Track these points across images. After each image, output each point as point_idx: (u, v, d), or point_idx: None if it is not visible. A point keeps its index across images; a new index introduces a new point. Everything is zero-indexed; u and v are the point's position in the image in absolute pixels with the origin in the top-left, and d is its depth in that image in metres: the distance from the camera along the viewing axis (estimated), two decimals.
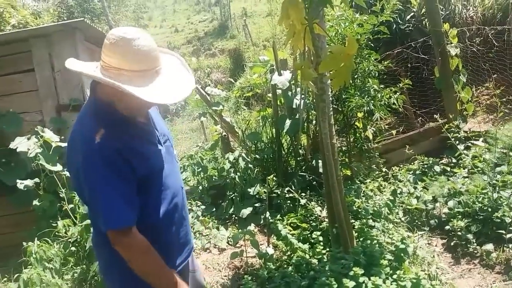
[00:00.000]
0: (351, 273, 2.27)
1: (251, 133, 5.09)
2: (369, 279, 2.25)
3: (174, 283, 1.58)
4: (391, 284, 2.21)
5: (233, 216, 4.70)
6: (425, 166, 4.66)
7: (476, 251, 3.31)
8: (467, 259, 3.32)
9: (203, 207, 4.75)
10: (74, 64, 1.57)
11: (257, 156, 5.03)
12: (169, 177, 1.71)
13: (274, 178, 4.47)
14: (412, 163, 4.78)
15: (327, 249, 3.22)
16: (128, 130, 1.59)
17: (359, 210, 3.58)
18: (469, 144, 4.30)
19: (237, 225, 4.53)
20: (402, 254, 2.76)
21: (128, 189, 1.52)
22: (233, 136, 5.31)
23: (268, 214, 4.30)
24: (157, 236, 1.65)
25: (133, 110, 1.61)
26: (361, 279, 2.25)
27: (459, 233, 3.44)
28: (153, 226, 1.65)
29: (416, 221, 3.89)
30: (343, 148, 4.86)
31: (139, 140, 1.62)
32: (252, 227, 4.44)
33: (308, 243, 3.58)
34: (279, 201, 4.44)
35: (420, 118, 5.60)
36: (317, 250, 3.13)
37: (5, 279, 3.65)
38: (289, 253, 3.62)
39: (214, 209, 4.82)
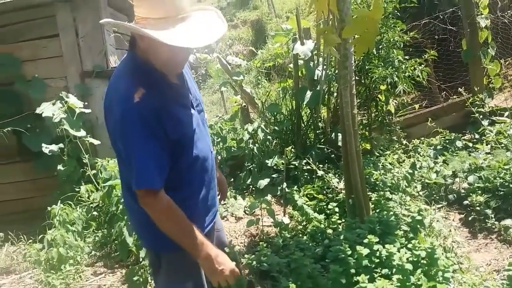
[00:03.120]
0: (366, 240, 2.29)
1: (271, 104, 5.07)
2: (384, 247, 2.26)
3: (200, 243, 1.61)
4: (406, 253, 2.22)
5: (251, 186, 4.75)
6: (447, 141, 4.58)
7: (494, 226, 3.28)
8: (484, 234, 3.30)
9: None
10: (108, 20, 1.58)
11: (276, 128, 5.02)
12: (200, 141, 1.72)
13: (292, 150, 4.48)
14: (434, 138, 4.70)
15: (343, 220, 3.24)
16: (165, 92, 1.59)
17: (377, 182, 3.57)
18: (494, 120, 4.19)
19: (254, 195, 4.59)
20: (418, 226, 2.76)
21: (161, 151, 1.53)
22: (253, 108, 5.31)
23: (285, 185, 4.33)
24: (189, 198, 1.69)
25: (166, 64, 1.59)
26: (375, 247, 2.27)
27: (478, 208, 3.41)
28: (185, 189, 1.68)
29: (435, 195, 3.86)
30: (364, 122, 4.80)
31: (175, 102, 1.62)
32: (268, 197, 4.51)
33: (324, 214, 3.61)
34: (296, 172, 4.46)
35: (444, 92, 5.46)
36: (333, 220, 3.14)
37: (30, 240, 3.80)
38: (304, 223, 3.66)
39: (232, 179, 4.88)
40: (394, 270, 2.06)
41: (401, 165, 3.98)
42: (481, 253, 3.07)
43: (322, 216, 3.55)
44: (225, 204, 4.40)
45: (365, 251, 2.22)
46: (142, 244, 1.83)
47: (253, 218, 3.60)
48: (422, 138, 4.67)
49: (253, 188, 4.71)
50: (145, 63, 1.58)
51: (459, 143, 4.47)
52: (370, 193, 3.50)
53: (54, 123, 4.37)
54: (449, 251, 2.94)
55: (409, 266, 1.88)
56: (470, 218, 3.47)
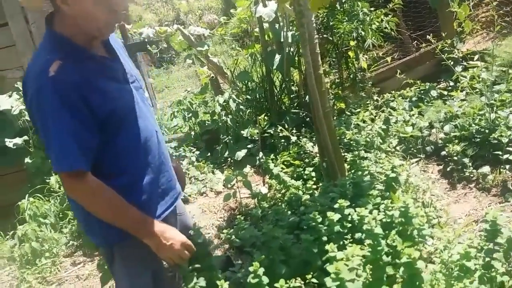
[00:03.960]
0: (336, 205, 2.20)
1: (240, 72, 4.90)
2: (355, 211, 2.18)
3: (140, 222, 1.51)
4: (378, 215, 2.15)
5: (229, 159, 4.64)
6: (422, 92, 4.49)
7: (472, 175, 3.23)
8: (463, 184, 3.25)
9: (197, 152, 4.69)
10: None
11: (248, 96, 4.88)
12: (140, 120, 1.59)
13: (266, 117, 4.35)
14: (408, 90, 4.60)
15: (319, 184, 3.16)
16: (87, 64, 1.45)
17: (351, 142, 3.47)
18: (467, 65, 4.08)
19: (232, 168, 4.49)
20: (393, 183, 2.69)
21: (84, 129, 1.39)
22: (223, 78, 5.14)
23: (261, 154, 4.24)
24: (134, 183, 1.57)
25: (88, 33, 1.46)
26: (346, 211, 2.19)
27: (455, 157, 3.35)
28: (128, 173, 1.56)
29: (412, 149, 3.79)
30: (337, 81, 4.68)
31: (101, 75, 1.48)
32: (247, 168, 4.42)
33: (301, 180, 3.53)
34: (273, 140, 4.35)
35: (416, 42, 5.32)
36: (307, 185, 3.06)
37: (1, 237, 3.70)
38: (283, 191, 3.58)
39: (209, 154, 4.76)
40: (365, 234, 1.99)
41: (375, 122, 3.88)
42: (460, 204, 3.03)
43: (299, 183, 3.47)
44: (203, 180, 4.31)
45: (336, 216, 2.13)
46: (91, 240, 1.72)
47: (230, 192, 3.50)
48: (395, 92, 4.56)
49: (232, 161, 4.60)
50: (63, 36, 1.43)
51: (434, 93, 4.38)
52: (345, 154, 3.42)
53: (14, 115, 4.19)
54: (428, 205, 2.89)
55: (378, 230, 1.80)
56: (448, 169, 3.41)
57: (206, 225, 3.53)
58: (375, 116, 4.07)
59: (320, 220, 2.18)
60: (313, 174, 3.40)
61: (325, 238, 2.14)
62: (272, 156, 4.13)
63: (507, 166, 3.06)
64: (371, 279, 1.83)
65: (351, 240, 2.09)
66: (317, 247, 2.07)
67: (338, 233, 2.14)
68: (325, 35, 4.28)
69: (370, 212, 2.17)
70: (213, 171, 4.40)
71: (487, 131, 3.32)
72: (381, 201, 2.39)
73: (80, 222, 1.74)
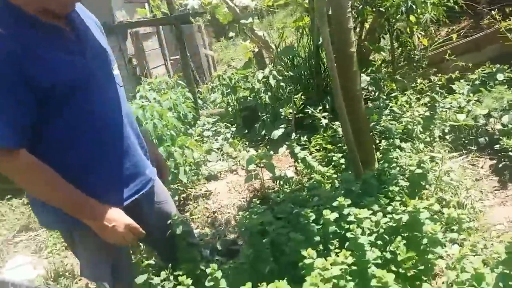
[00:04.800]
0: (335, 203, 1.96)
1: (285, 47, 4.64)
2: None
3: (81, 203, 1.42)
4: (383, 218, 1.87)
5: (266, 137, 4.48)
6: (487, 75, 3.91)
7: None
8: None
9: (233, 129, 4.57)
10: None
11: (292, 73, 4.62)
12: (96, 98, 1.48)
13: (304, 97, 4.09)
14: (471, 73, 4.05)
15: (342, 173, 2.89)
16: (34, 32, 1.34)
17: (385, 130, 3.12)
18: None
19: (268, 147, 4.32)
20: (419, 181, 2.35)
21: (15, 103, 1.29)
22: (268, 52, 4.91)
23: (294, 135, 4.02)
24: (90, 166, 1.49)
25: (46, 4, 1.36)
26: (346, 211, 1.94)
27: (511, 153, 2.87)
28: (75, 151, 1.46)
29: (463, 139, 3.34)
30: (387, 59, 4.25)
31: (48, 45, 1.37)
32: (283, 149, 4.23)
33: (332, 166, 3.28)
34: (310, 121, 4.09)
35: (489, 16, 4.62)
36: (327, 175, 2.81)
37: None
38: (310, 176, 3.35)
39: (247, 131, 4.63)
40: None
41: (416, 107, 3.43)
42: (506, 207, 2.60)
43: (326, 169, 3.22)
44: (236, 157, 4.21)
45: (333, 215, 1.90)
46: (46, 224, 1.67)
47: (252, 173, 3.35)
48: (456, 74, 4.02)
49: (268, 140, 4.43)
50: (11, 4, 1.32)
51: (500, 76, 3.80)
52: (379, 141, 3.09)
53: None
54: (464, 206, 2.51)
55: (364, 240, 1.55)
56: (501, 165, 2.96)
57: (228, 204, 3.44)
58: (420, 100, 3.63)
59: (313, 218, 1.96)
60: (342, 160, 3.14)
61: (317, 239, 1.92)
62: (305, 138, 3.90)
63: None
64: None
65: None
66: (307, 248, 1.86)
67: (334, 233, 1.91)
68: (375, 8, 3.85)
69: (375, 214, 1.91)
70: (246, 149, 4.26)
71: None
72: (396, 201, 2.09)
73: (31, 205, 1.69)
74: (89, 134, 1.46)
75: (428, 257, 1.77)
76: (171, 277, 1.91)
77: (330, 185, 2.87)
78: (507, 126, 3.03)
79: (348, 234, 1.57)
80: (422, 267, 1.75)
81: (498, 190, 2.81)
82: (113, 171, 1.55)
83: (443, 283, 1.63)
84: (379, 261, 1.70)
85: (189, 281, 1.56)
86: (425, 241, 1.79)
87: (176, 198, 3.43)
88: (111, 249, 1.60)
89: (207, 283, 1.49)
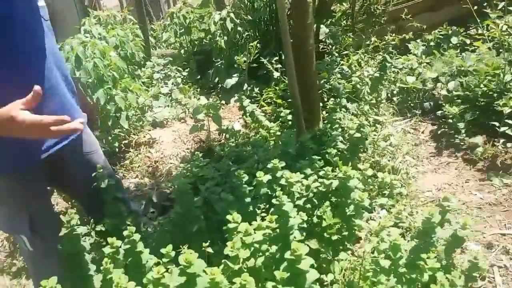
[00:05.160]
0: (270, 165, 1.94)
1: None
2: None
3: None
4: (314, 182, 1.88)
5: (219, 85, 4.35)
6: (443, 37, 3.90)
7: (462, 143, 2.84)
8: (450, 151, 2.88)
9: (185, 73, 4.39)
10: None
11: (250, 17, 4.41)
12: (16, 33, 1.33)
13: (259, 45, 3.95)
14: (428, 33, 4.02)
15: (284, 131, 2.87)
16: None
17: (332, 89, 3.09)
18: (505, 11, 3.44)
19: (220, 96, 4.21)
20: (357, 144, 2.36)
21: None
22: None
23: (246, 86, 3.92)
24: (2, 103, 1.29)
25: None
26: (279, 173, 1.92)
27: (450, 120, 2.94)
28: None
29: (410, 102, 3.38)
30: (347, 12, 4.13)
31: None
32: (234, 98, 4.13)
33: (279, 121, 3.24)
34: (265, 72, 3.98)
35: None
36: (271, 131, 2.78)
37: None
38: (259, 130, 3.31)
39: (199, 77, 4.47)
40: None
41: (367, 67, 3.40)
42: (437, 174, 2.69)
43: (273, 125, 3.19)
44: (186, 105, 4.08)
45: (265, 177, 1.88)
46: None
47: (197, 124, 3.27)
48: (413, 34, 3.99)
49: (221, 88, 4.31)
50: None
51: (454, 40, 3.81)
52: (327, 101, 3.05)
53: None
54: (397, 171, 2.58)
55: (288, 207, 1.55)
56: (439, 132, 3.03)
57: (171, 154, 3.37)
58: (374, 59, 3.59)
59: (246, 178, 1.93)
60: (290, 117, 3.10)
61: (248, 200, 1.91)
62: (258, 90, 3.82)
63: (502, 141, 2.65)
64: (278, 256, 1.62)
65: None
66: (237, 209, 1.85)
67: (265, 195, 1.91)
68: None
69: (307, 178, 1.90)
70: (197, 96, 4.14)
71: (495, 95, 2.85)
72: (329, 166, 2.09)
73: None
74: (3, 71, 1.32)
75: (352, 224, 1.81)
76: (93, 233, 1.86)
77: (273, 142, 2.85)
78: (452, 92, 3.07)
79: (273, 200, 1.55)
80: (345, 233, 1.80)
81: (434, 156, 2.89)
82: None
83: (364, 252, 1.67)
84: (304, 225, 1.73)
85: (118, 242, 1.51)
86: (351, 208, 1.83)
87: (116, 144, 3.31)
88: (27, 198, 1.53)
89: (123, 246, 1.45)
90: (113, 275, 1.43)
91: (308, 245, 1.76)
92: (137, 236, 1.46)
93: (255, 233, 1.56)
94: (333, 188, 1.85)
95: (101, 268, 1.45)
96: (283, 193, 1.87)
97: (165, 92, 4.16)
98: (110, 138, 3.32)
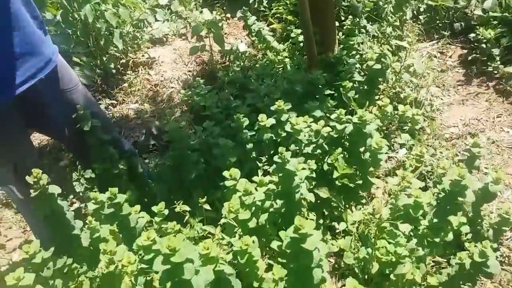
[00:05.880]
0: (274, 107, 1.69)
1: None
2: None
3: None
4: (325, 127, 1.64)
5: None
6: None
7: (496, 71, 2.53)
8: (481, 80, 2.58)
9: None
10: None
11: None
12: None
13: None
14: None
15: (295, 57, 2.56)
16: None
17: (353, 5, 2.69)
18: None
19: (224, 8, 3.79)
20: (376, 76, 2.07)
21: None
22: None
23: None
24: None
25: None
26: (284, 117, 1.68)
27: (484, 45, 2.58)
28: None
29: (438, 22, 2.98)
30: None
31: None
32: (238, 14, 3.72)
33: (290, 42, 2.90)
34: None
35: None
36: (278, 58, 2.48)
37: None
38: (266, 52, 2.98)
39: None
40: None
41: None
42: (465, 106, 2.42)
43: (282, 47, 2.86)
44: (187, 18, 3.69)
45: (269, 121, 1.65)
46: None
47: (198, 44, 2.94)
48: None
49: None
50: None
51: None
52: (343, 21, 2.68)
53: None
54: (420, 104, 2.31)
55: (291, 166, 1.32)
56: (470, 57, 2.69)
57: (171, 77, 3.10)
58: None
59: (246, 123, 1.70)
60: (301, 37, 2.76)
61: (250, 146, 1.70)
62: (266, 3, 3.40)
63: None
64: (283, 211, 1.45)
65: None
66: (236, 156, 1.65)
67: (269, 141, 1.69)
68: None
69: (316, 122, 1.66)
70: (199, 9, 3.72)
71: None
72: (342, 108, 1.83)
73: None
74: None
75: (367, 172, 1.61)
76: (82, 180, 1.70)
77: (282, 69, 2.56)
78: (488, 13, 2.67)
79: (275, 158, 1.34)
80: (359, 182, 1.61)
81: (462, 85, 2.59)
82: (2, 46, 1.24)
83: (380, 204, 1.49)
84: (313, 174, 1.54)
85: (103, 196, 1.33)
86: (367, 155, 1.61)
87: (112, 65, 3.03)
88: (8, 146, 1.40)
89: (105, 210, 1.28)
90: (100, 234, 1.29)
91: (318, 194, 1.62)
92: (121, 197, 1.29)
93: (256, 190, 1.38)
94: (347, 134, 1.63)
95: (85, 227, 1.31)
96: (290, 140, 1.66)
97: (164, 4, 3.74)
98: (105, 59, 3.03)
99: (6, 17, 1.24)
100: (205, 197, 1.47)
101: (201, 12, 3.72)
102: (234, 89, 2.51)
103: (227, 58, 3.01)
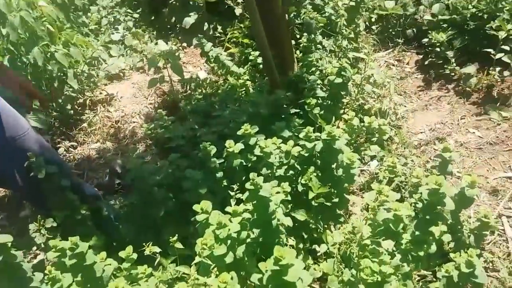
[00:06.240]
0: (240, 131, 1.63)
1: None
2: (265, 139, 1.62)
3: None
4: (294, 146, 1.60)
5: (177, 26, 3.87)
6: None
7: (453, 73, 2.58)
8: (440, 83, 2.62)
9: (136, 15, 3.88)
10: None
11: None
12: None
13: None
14: None
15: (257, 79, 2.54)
16: None
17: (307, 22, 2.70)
18: None
19: (179, 38, 3.76)
20: (339, 90, 2.06)
21: None
22: None
23: (206, 25, 3.48)
24: None
25: None
26: (252, 140, 1.62)
27: (438, 48, 2.64)
28: None
29: (390, 30, 3.04)
30: None
31: None
32: (194, 41, 3.68)
33: (249, 64, 2.88)
34: (227, 6, 3.52)
35: None
36: (240, 81, 2.44)
37: None
38: (227, 77, 2.94)
39: (153, 17, 3.96)
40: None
41: None
42: (429, 111, 2.45)
43: (242, 69, 2.83)
44: (142, 52, 3.62)
45: (237, 146, 1.59)
46: None
47: (156, 76, 2.86)
48: None
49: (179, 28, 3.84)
50: None
51: None
52: (300, 39, 2.68)
53: None
54: (385, 114, 2.31)
55: (265, 192, 1.25)
56: (427, 62, 2.74)
57: (133, 111, 3.00)
58: None
59: (214, 151, 1.63)
60: (260, 59, 2.74)
61: (220, 175, 1.62)
62: (221, 28, 3.39)
63: (498, 69, 2.39)
64: (261, 240, 1.38)
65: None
66: (207, 187, 1.57)
67: (240, 167, 1.63)
68: None
69: (285, 142, 1.61)
70: (154, 41, 3.67)
71: (485, 16, 2.54)
72: (309, 126, 1.79)
73: None
74: None
75: (342, 189, 1.57)
76: (43, 230, 1.57)
77: (244, 92, 2.52)
78: (437, 17, 2.74)
79: (247, 185, 1.27)
80: (336, 199, 1.56)
81: (422, 90, 2.63)
82: None
83: (361, 219, 1.44)
84: (288, 197, 1.47)
85: (65, 243, 1.22)
86: (340, 171, 1.57)
87: (69, 106, 2.91)
88: None
89: (68, 261, 1.16)
90: (63, 284, 1.17)
91: (295, 217, 1.55)
92: (84, 246, 1.18)
93: (231, 221, 1.31)
94: (317, 152, 1.58)
95: (45, 278, 1.19)
96: (261, 164, 1.60)
97: (117, 39, 3.67)
98: (60, 101, 2.91)
99: None
100: (176, 234, 1.39)
101: (156, 43, 3.67)
102: (199, 117, 2.45)
103: (188, 87, 2.95)
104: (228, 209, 1.33)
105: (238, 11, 3.10)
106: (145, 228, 1.63)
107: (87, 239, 1.34)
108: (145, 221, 1.62)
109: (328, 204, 1.52)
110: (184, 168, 1.72)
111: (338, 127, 1.99)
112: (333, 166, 1.57)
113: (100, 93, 3.17)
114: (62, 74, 2.81)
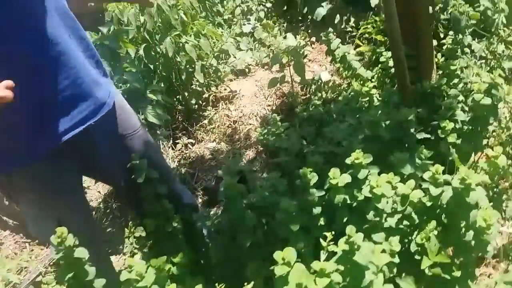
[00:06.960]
0: (349, 159, 1.35)
1: None
2: (379, 175, 1.33)
3: None
4: (414, 190, 1.27)
5: (308, 17, 3.64)
6: None
7: None
8: None
9: (268, 5, 3.74)
10: None
11: None
12: None
13: None
14: None
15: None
16: None
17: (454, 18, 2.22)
18: None
19: (309, 32, 3.53)
20: (485, 113, 1.62)
21: None
22: None
23: (338, 17, 3.18)
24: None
25: None
26: (361, 173, 1.34)
27: None
28: None
29: None
30: None
31: None
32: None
33: (379, 68, 2.54)
34: None
35: None
36: (365, 88, 2.13)
37: None
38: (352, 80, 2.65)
39: (286, 8, 3.78)
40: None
41: None
42: None
43: (370, 73, 2.51)
44: (270, 46, 3.49)
45: (342, 179, 1.32)
46: None
47: (277, 76, 2.72)
48: None
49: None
50: None
51: None
52: (446, 35, 2.23)
53: None
54: None
55: (361, 258, 0.98)
56: None
57: (250, 112, 2.91)
58: None
59: (315, 180, 1.40)
60: (392, 62, 2.38)
61: (317, 211, 1.40)
62: (352, 22, 3.07)
63: None
64: None
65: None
66: (300, 224, 1.37)
67: (344, 206, 1.37)
68: None
69: (403, 181, 1.30)
70: (283, 34, 3.50)
71: None
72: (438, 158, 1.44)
73: None
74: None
75: (470, 259, 1.21)
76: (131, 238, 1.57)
77: (368, 102, 2.20)
78: None
79: (341, 242, 1.03)
80: (457, 273, 1.21)
81: None
82: (47, 89, 1.15)
83: None
84: (396, 258, 1.18)
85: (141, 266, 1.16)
86: (469, 235, 1.20)
87: (194, 101, 2.95)
88: (54, 204, 1.30)
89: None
90: None
91: (399, 284, 1.26)
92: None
93: (315, 283, 1.09)
94: (444, 203, 1.24)
95: None
96: (368, 207, 1.33)
97: (247, 31, 3.61)
98: (186, 94, 2.96)
99: (53, 56, 1.13)
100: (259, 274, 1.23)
101: (284, 37, 3.52)
102: (312, 127, 2.23)
103: (308, 90, 2.74)
104: (314, 265, 1.11)
105: (374, 1, 2.73)
106: (231, 253, 1.51)
107: (175, 254, 1.31)
108: (230, 247, 1.50)
109: (447, 277, 1.19)
110: (282, 192, 1.54)
111: (477, 164, 1.57)
112: (462, 224, 1.21)
113: (225, 89, 3.15)
114: (190, 67, 2.82)
